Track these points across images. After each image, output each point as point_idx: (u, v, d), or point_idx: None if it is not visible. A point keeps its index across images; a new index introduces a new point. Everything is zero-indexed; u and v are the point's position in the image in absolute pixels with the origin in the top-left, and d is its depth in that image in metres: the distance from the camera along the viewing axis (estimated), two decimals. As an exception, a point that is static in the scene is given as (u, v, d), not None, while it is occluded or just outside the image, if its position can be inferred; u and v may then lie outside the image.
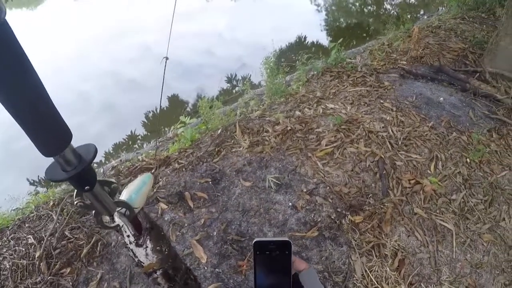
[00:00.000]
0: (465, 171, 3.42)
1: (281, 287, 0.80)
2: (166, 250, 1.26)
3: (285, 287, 0.79)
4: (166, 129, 5.08)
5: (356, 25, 9.38)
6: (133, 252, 1.19)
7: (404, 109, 4.08)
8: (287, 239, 0.79)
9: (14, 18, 10.90)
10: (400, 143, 3.60)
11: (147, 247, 1.20)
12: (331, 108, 4.09)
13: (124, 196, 1.12)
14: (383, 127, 3.78)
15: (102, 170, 3.69)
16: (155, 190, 3.16)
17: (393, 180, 3.21)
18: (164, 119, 5.75)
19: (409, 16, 9.38)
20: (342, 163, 3.34)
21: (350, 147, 3.49)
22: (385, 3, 11.27)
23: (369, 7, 11.10)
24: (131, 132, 5.52)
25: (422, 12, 10.10)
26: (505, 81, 4.67)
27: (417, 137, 3.69)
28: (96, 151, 0.83)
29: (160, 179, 3.30)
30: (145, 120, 5.85)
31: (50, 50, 8.21)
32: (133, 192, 1.15)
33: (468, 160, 3.54)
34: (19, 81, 0.64)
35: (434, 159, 3.48)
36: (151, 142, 4.63)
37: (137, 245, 1.17)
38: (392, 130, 3.74)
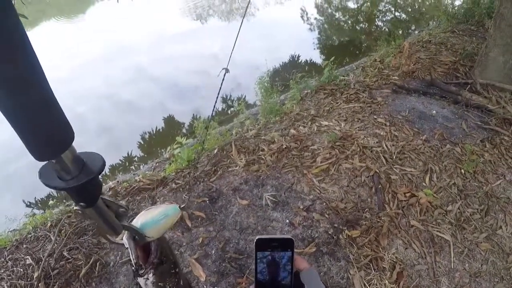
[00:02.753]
0: (460, 182, 3.51)
1: (282, 285, 0.79)
2: (172, 287, 1.16)
3: (286, 286, 0.79)
4: (162, 150, 5.17)
5: (348, 43, 9.60)
6: (134, 277, 1.10)
7: (397, 123, 4.20)
8: (289, 236, 0.79)
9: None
10: (394, 157, 3.70)
11: (147, 279, 1.09)
12: (325, 125, 4.20)
13: (137, 222, 1.02)
14: (377, 142, 3.88)
15: None
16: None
17: (388, 194, 3.30)
18: (160, 141, 5.86)
19: (400, 32, 9.61)
20: (337, 179, 3.44)
21: (345, 163, 3.59)
22: (376, 20, 11.53)
23: (361, 25, 11.35)
24: (128, 153, 5.61)
25: (413, 27, 10.34)
26: (496, 91, 4.80)
27: (411, 151, 3.80)
28: (104, 163, 0.73)
29: (158, 199, 3.38)
30: (141, 142, 5.95)
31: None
32: (149, 221, 1.05)
33: (462, 171, 3.64)
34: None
35: (429, 171, 3.58)
36: (148, 163, 4.72)
37: (137, 274, 1.07)
38: (386, 145, 3.84)
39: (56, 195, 4.76)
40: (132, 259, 1.03)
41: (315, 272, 0.81)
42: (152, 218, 1.05)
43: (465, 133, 4.14)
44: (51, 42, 10.50)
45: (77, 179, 0.67)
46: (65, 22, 12.89)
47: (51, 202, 4.43)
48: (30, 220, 3.42)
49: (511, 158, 3.89)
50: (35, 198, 4.89)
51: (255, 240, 0.77)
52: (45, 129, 0.59)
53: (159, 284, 1.10)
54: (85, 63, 8.73)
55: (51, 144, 0.62)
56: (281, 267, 0.78)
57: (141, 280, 1.08)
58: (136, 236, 1.00)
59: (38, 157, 0.61)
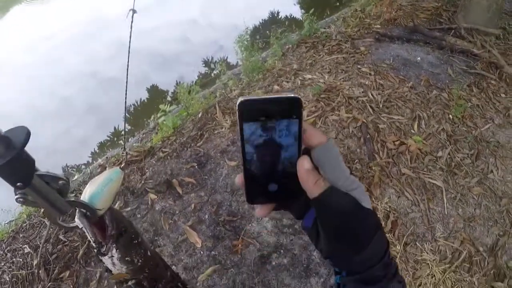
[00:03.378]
0: (449, 127, 3.47)
1: (285, 172, 0.54)
2: (140, 260, 1.10)
3: (291, 174, 0.53)
4: (148, 121, 5.03)
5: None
6: (96, 255, 1.06)
7: (382, 72, 4.10)
8: (295, 95, 0.50)
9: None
10: (381, 106, 3.62)
11: (112, 256, 1.05)
12: (309, 78, 4.08)
13: (85, 196, 0.98)
14: (362, 92, 3.79)
15: (89, 170, 3.68)
16: (143, 182, 3.14)
17: (377, 143, 3.23)
18: (145, 112, 5.70)
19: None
20: (325, 131, 3.34)
21: (332, 115, 3.50)
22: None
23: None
24: (115, 128, 5.48)
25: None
26: (480, 35, 4.72)
27: (398, 99, 3.72)
28: (28, 134, 0.68)
29: (147, 170, 3.27)
30: (128, 115, 5.80)
31: (23, 56, 8.12)
32: (95, 190, 0.99)
33: (450, 116, 3.59)
34: None
35: (417, 118, 3.52)
36: (135, 135, 4.60)
37: (100, 253, 1.03)
38: (372, 94, 3.75)
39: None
40: (90, 238, 1.01)
41: (335, 148, 0.53)
42: (97, 187, 1.00)
43: (451, 79, 4.07)
44: (26, 26, 10.10)
45: (3, 157, 0.65)
46: (39, 4, 12.37)
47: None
48: (24, 209, 3.31)
49: (498, 101, 3.87)
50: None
51: (237, 104, 0.50)
52: None
53: (126, 258, 1.07)
54: (64, 43, 8.40)
55: None
56: (282, 144, 0.52)
57: (106, 260, 1.06)
58: (87, 211, 0.95)
59: None
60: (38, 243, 2.82)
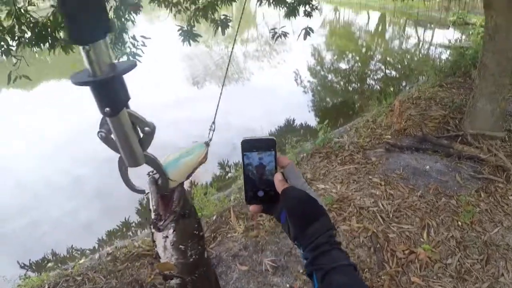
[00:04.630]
0: (458, 234, 3.70)
1: (268, 181, 0.89)
2: (194, 256, 1.01)
3: (271, 181, 0.89)
4: None
5: (341, 103, 10.07)
6: (152, 236, 1.00)
7: (392, 182, 4.44)
8: (272, 137, 0.88)
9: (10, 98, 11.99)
10: (391, 215, 3.91)
11: (166, 237, 0.98)
12: (322, 188, 4.45)
13: (162, 160, 0.96)
14: (373, 202, 4.11)
15: (97, 256, 3.90)
16: (152, 277, 3.38)
17: (387, 252, 3.48)
18: None
19: (392, 89, 10.09)
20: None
21: (343, 225, 3.80)
22: (368, 79, 12.11)
23: (353, 85, 11.91)
24: (125, 218, 5.76)
25: (404, 83, 10.86)
26: (486, 140, 5.08)
27: (407, 208, 4.01)
28: (133, 66, 0.73)
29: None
30: (139, 207, 6.11)
31: (42, 133, 8.92)
32: (171, 159, 0.98)
33: (459, 222, 3.83)
34: None
35: (426, 226, 3.77)
36: (146, 229, 4.87)
37: (156, 227, 0.97)
38: (382, 204, 4.07)
39: (51, 258, 4.97)
40: (151, 206, 0.97)
41: (295, 167, 0.92)
42: (174, 157, 1.00)
43: (459, 185, 4.37)
44: (52, 101, 11.12)
45: (105, 74, 0.68)
46: (66, 82, 13.65)
47: (49, 264, 4.63)
48: (25, 283, 3.53)
49: (507, 204, 4.10)
50: (29, 260, 5.02)
51: (240, 142, 0.88)
52: (90, 10, 0.63)
53: (180, 246, 0.99)
54: (85, 125, 9.16)
55: (91, 29, 0.64)
56: (265, 165, 0.89)
57: (160, 241, 0.99)
58: (159, 177, 0.95)
59: (76, 38, 0.64)
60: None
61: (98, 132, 0.82)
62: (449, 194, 4.22)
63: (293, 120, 8.70)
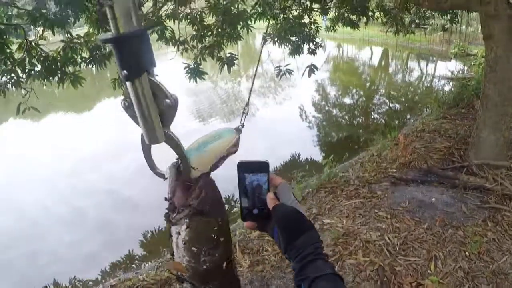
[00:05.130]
0: (466, 264, 3.72)
1: (261, 199, 0.97)
2: (208, 263, 0.92)
3: (265, 200, 0.96)
4: (164, 249, 5.38)
5: (346, 138, 10.19)
6: (168, 229, 0.95)
7: (398, 215, 4.49)
8: (265, 160, 0.96)
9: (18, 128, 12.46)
10: (397, 248, 3.95)
11: (179, 233, 0.90)
12: (328, 223, 4.51)
13: (187, 145, 0.91)
14: (379, 236, 4.16)
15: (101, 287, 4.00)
16: None
17: (394, 285, 3.51)
18: (162, 240, 6.08)
19: (396, 122, 10.22)
20: (342, 275, 3.65)
21: (349, 259, 3.85)
22: (372, 113, 12.26)
23: (358, 119, 12.06)
24: (129, 251, 5.81)
25: (408, 116, 10.99)
26: (491, 170, 5.13)
27: (414, 240, 4.05)
28: (154, 27, 0.77)
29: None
30: (143, 240, 6.14)
31: (46, 165, 9.20)
32: (195, 145, 0.92)
33: (467, 253, 3.86)
34: None
35: (433, 258, 3.80)
36: (151, 262, 4.92)
37: (168, 219, 0.91)
38: (388, 237, 4.11)
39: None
40: (167, 195, 0.90)
41: (287, 185, 1.00)
42: (199, 143, 0.93)
43: (466, 216, 4.41)
44: (58, 133, 11.47)
45: (125, 32, 0.66)
46: (72, 115, 14.00)
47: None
48: None
49: (514, 233, 4.12)
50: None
51: (237, 164, 0.95)
52: None
53: (193, 248, 0.89)
54: (89, 157, 9.43)
55: None
56: (259, 185, 0.96)
57: (173, 232, 0.92)
58: (181, 162, 0.88)
59: None
60: None
61: (122, 101, 0.79)
62: (456, 225, 4.25)
63: (298, 155, 8.82)
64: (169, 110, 0.77)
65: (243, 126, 1.08)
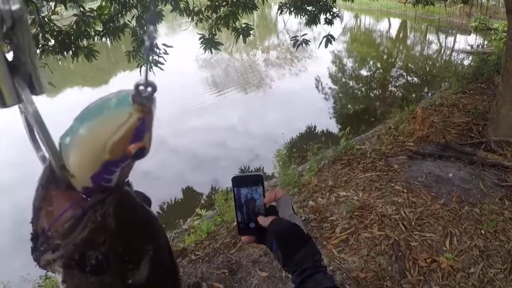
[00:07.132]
0: (481, 242, 3.63)
1: (258, 213, 0.94)
2: None
3: (261, 213, 0.94)
4: (180, 220, 5.37)
5: (363, 110, 10.02)
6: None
7: (414, 189, 4.40)
8: (259, 173, 0.98)
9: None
10: (413, 223, 3.87)
11: (50, 263, 0.51)
12: (344, 195, 4.43)
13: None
14: (395, 210, 4.07)
15: None
16: None
17: (409, 261, 3.44)
18: (178, 212, 6.14)
19: (414, 96, 9.99)
20: (357, 249, 3.61)
21: (364, 232, 3.78)
22: (389, 85, 12.01)
23: (375, 91, 11.83)
24: None
25: (426, 89, 10.75)
26: (510, 147, 4.99)
27: (430, 216, 3.96)
28: None
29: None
30: (160, 211, 6.17)
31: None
32: (68, 129, 0.49)
33: (483, 231, 3.76)
34: None
35: (449, 235, 3.72)
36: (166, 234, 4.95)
37: (33, 246, 0.52)
38: (404, 212, 4.03)
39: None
40: (33, 203, 0.52)
41: (288, 198, 0.97)
42: (77, 117, 0.49)
43: (483, 193, 4.29)
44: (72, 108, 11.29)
45: None
46: (88, 90, 13.97)
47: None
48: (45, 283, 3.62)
49: (532, 213, 4.01)
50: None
51: (231, 178, 0.93)
52: None
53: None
54: None
55: None
56: (255, 198, 0.94)
57: (58, 278, 0.53)
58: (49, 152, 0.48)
59: None
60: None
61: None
62: (472, 202, 4.15)
63: (315, 127, 8.70)
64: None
65: (152, 88, 0.47)
